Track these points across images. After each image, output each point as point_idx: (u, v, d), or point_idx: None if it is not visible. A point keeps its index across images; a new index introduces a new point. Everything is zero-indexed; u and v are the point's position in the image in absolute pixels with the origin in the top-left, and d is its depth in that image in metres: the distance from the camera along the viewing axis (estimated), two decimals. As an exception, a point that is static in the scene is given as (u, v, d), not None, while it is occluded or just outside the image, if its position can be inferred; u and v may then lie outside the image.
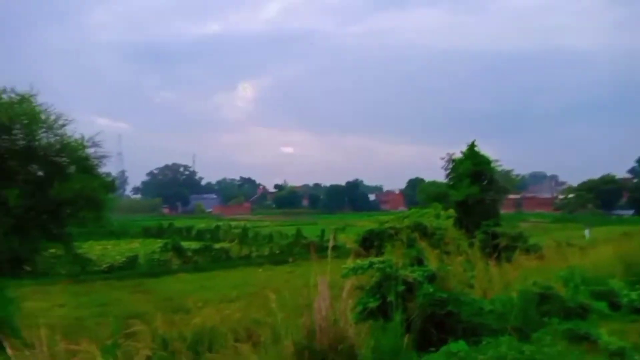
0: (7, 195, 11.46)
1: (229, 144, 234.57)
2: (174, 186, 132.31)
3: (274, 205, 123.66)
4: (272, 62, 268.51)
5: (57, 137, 11.93)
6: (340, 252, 25.96)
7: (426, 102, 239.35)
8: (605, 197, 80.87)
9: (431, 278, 5.79)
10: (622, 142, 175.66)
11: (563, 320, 5.75)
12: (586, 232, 33.45)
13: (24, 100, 11.88)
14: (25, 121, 11.52)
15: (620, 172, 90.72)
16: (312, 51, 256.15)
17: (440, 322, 5.36)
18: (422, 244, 12.30)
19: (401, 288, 5.49)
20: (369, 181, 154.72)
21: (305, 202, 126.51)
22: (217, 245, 28.47)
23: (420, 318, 5.32)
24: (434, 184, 32.69)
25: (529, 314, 5.38)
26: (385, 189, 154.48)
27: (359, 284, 6.22)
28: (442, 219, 17.02)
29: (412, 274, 5.73)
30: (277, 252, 27.93)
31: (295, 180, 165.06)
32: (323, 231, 31.83)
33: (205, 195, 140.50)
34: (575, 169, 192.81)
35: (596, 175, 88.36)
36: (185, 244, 29.65)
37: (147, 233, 46.24)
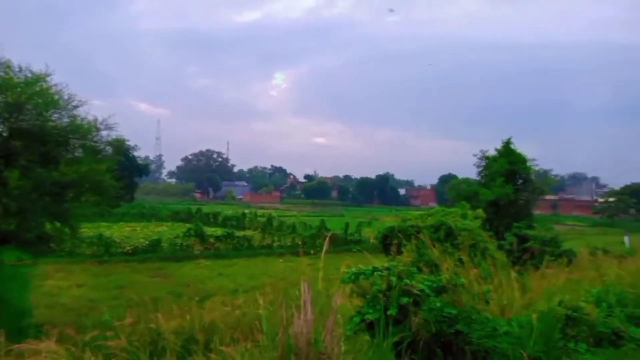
0: (8, 176, 11.51)
1: (262, 133, 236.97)
2: (207, 172, 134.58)
3: (302, 196, 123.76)
4: (309, 51, 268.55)
5: (69, 119, 11.89)
6: (363, 246, 25.54)
7: (463, 96, 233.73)
8: (649, 202, 76.28)
9: (440, 290, 5.15)
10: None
11: (592, 348, 5.01)
12: (626, 238, 31.43)
13: (39, 79, 11.84)
14: (38, 101, 11.48)
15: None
16: (349, 41, 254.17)
17: (448, 342, 4.74)
18: (441, 247, 11.59)
19: (405, 300, 4.89)
20: (400, 175, 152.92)
21: (334, 194, 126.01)
22: (240, 233, 28.40)
23: (424, 336, 4.72)
24: (465, 181, 31.53)
25: (552, 339, 4.67)
26: (416, 184, 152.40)
27: (362, 290, 5.67)
28: (469, 219, 16.07)
29: (419, 284, 5.11)
30: (299, 243, 27.60)
31: (326, 171, 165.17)
32: (347, 224, 31.23)
33: (236, 182, 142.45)
34: (619, 171, 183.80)
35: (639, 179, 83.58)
36: (209, 230, 29.78)
37: (176, 217, 47.00)
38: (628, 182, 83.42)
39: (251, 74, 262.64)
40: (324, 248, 4.94)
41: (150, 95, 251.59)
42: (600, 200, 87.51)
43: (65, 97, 12.06)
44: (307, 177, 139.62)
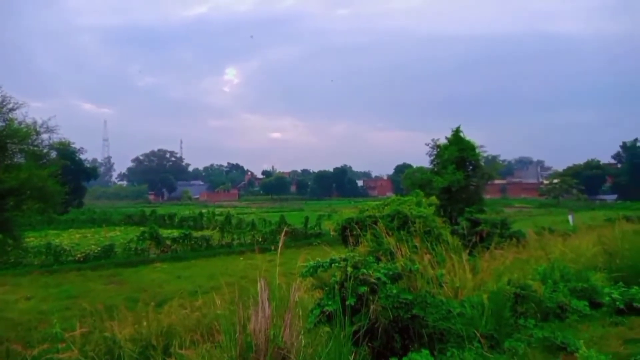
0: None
1: (217, 130, 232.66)
2: (160, 172, 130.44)
3: (261, 192, 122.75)
4: (260, 46, 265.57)
5: (4, 123, 11.10)
6: (324, 239, 25.58)
7: (415, 87, 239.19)
8: (589, 183, 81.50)
9: (396, 277, 5.27)
10: (607, 128, 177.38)
11: (540, 323, 5.29)
12: (570, 217, 33.37)
13: (-32, 82, 10.98)
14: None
15: (605, 157, 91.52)
16: (300, 34, 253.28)
17: (405, 327, 4.86)
18: (398, 235, 11.85)
19: (363, 289, 4.96)
20: (357, 167, 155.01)
21: (293, 189, 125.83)
22: (198, 234, 27.77)
23: (383, 323, 4.82)
24: (419, 170, 32.27)
25: (502, 316, 4.90)
26: (373, 175, 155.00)
27: (321, 282, 5.70)
28: (423, 206, 16.49)
29: (376, 273, 5.20)
30: (260, 239, 27.36)
31: (284, 166, 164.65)
32: (307, 218, 31.27)
33: (192, 182, 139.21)
34: (562, 154, 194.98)
35: (581, 160, 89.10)
36: (165, 232, 28.92)
37: (129, 221, 45.36)
38: (570, 164, 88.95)
39: (201, 70, 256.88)
40: (280, 243, 4.91)
41: (94, 94, 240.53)
42: (545, 182, 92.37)
43: (-1, 99, 11.28)
44: (265, 173, 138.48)
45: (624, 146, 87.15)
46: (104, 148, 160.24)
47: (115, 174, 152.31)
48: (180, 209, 59.93)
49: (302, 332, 4.39)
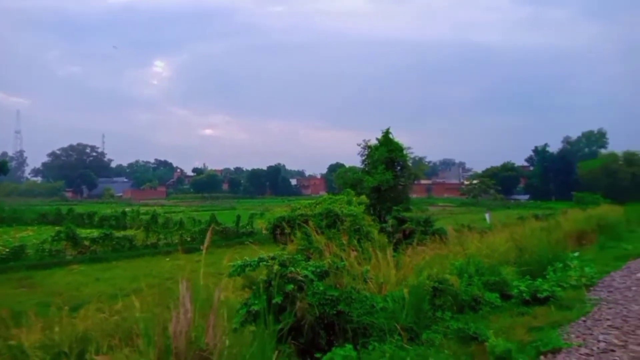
0: None
1: (143, 124, 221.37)
2: (79, 168, 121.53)
3: (191, 190, 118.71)
4: (190, 39, 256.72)
5: None
6: (256, 238, 25.28)
7: (349, 88, 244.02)
8: (505, 183, 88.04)
9: (323, 274, 5.34)
10: (522, 133, 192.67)
11: (456, 315, 5.62)
12: (487, 216, 35.78)
13: None
14: None
15: (519, 160, 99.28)
16: (233, 29, 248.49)
17: (331, 323, 4.94)
18: (329, 233, 12.03)
19: (290, 287, 4.97)
20: (291, 166, 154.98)
21: (225, 187, 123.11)
22: (120, 233, 26.26)
23: (309, 320, 4.86)
24: (351, 169, 32.97)
25: (422, 309, 5.15)
26: (307, 173, 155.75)
27: (249, 282, 5.63)
28: (353, 205, 16.89)
29: (303, 271, 5.24)
30: (188, 239, 26.45)
31: (216, 163, 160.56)
32: (239, 217, 30.74)
33: (115, 179, 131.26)
34: (481, 156, 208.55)
35: (498, 163, 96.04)
36: (84, 232, 27.06)
37: (43, 220, 41.92)
38: (488, 166, 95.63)
39: (128, 61, 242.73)
40: (206, 242, 4.77)
41: (4, 82, 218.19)
42: (466, 183, 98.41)
43: None
44: (195, 170, 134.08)
45: (535, 150, 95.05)
46: (16, 141, 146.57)
47: (28, 169, 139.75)
48: (102, 208, 56.35)
49: (226, 333, 4.31)
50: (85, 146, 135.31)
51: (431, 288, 5.66)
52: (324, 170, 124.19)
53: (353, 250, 6.36)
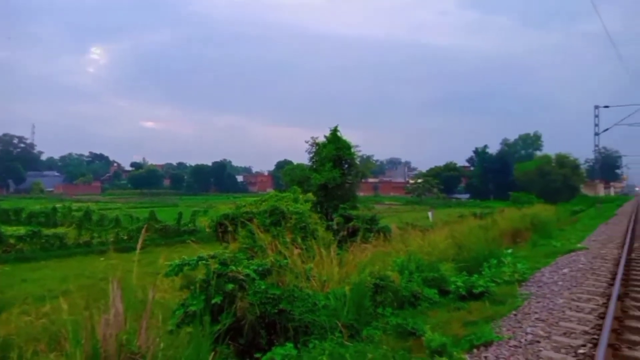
0: None
1: (77, 115, 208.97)
2: (5, 161, 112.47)
3: (129, 186, 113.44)
4: (133, 26, 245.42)
5: None
6: (198, 236, 24.56)
7: (299, 84, 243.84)
8: (447, 183, 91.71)
9: (265, 273, 5.24)
10: (465, 134, 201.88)
11: (396, 311, 5.71)
12: (430, 214, 37.06)
13: None
14: None
15: (461, 160, 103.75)
16: (180, 19, 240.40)
17: (272, 322, 4.85)
18: (274, 231, 11.90)
19: (230, 287, 4.82)
20: (238, 162, 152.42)
21: (167, 183, 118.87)
22: (50, 231, 24.52)
23: (249, 320, 4.74)
24: (298, 167, 32.90)
25: (363, 306, 5.17)
26: (254, 170, 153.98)
27: (188, 281, 5.41)
28: (300, 202, 16.83)
29: (245, 270, 5.10)
30: (125, 238, 25.20)
31: (157, 158, 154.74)
32: (180, 214, 29.73)
33: (45, 173, 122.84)
34: (426, 156, 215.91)
35: (442, 162, 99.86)
36: (9, 230, 25.00)
37: (-38, 216, 38.39)
38: (432, 165, 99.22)
39: (62, 46, 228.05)
40: (140, 240, 4.51)
41: None
42: (411, 181, 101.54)
43: None
44: (134, 165, 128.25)
45: (476, 151, 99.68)
46: None
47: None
48: (30, 203, 52.48)
49: (161, 335, 4.11)
50: (13, 137, 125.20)
51: (373, 285, 5.72)
52: (272, 167, 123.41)
53: (297, 248, 6.29)
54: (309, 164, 31.70)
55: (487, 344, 4.58)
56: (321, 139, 30.46)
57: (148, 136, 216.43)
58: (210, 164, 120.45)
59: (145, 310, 3.85)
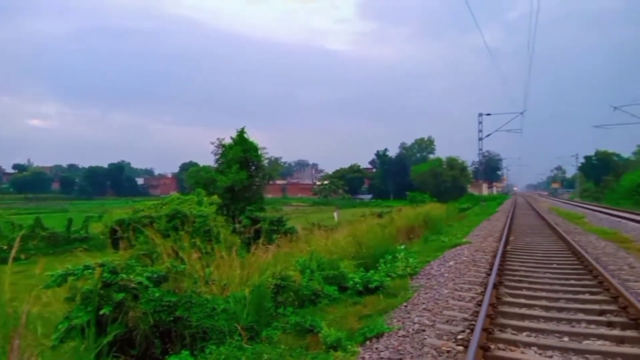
0: None
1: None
2: None
3: (11, 190, 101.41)
4: (13, 11, 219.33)
5: None
6: (91, 244, 22.67)
7: (205, 82, 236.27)
8: (352, 184, 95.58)
9: (160, 280, 5.05)
10: (368, 137, 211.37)
11: (297, 310, 5.84)
12: (335, 214, 38.24)
13: None
14: None
15: (364, 163, 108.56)
16: (70, 7, 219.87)
17: (167, 330, 4.69)
18: (176, 236, 11.45)
19: (120, 296, 4.56)
20: (137, 164, 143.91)
21: (55, 186, 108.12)
22: None
23: (142, 330, 4.53)
24: (204, 169, 31.97)
25: (263, 307, 5.22)
26: (157, 172, 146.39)
27: (74, 293, 5.01)
28: (204, 205, 16.40)
29: (138, 277, 4.87)
30: (5, 247, 22.43)
31: (44, 160, 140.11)
32: (70, 220, 27.23)
33: None
34: (333, 158, 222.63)
35: (347, 164, 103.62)
36: None
37: None
38: (338, 167, 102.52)
39: None
40: (13, 250, 4.10)
41: None
42: (318, 183, 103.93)
43: None
44: (17, 167, 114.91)
45: (377, 154, 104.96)
46: None
47: None
48: None
49: (42, 352, 3.78)
50: None
51: (274, 285, 5.80)
52: (176, 169, 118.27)
53: (196, 253, 6.15)
54: (215, 165, 31.00)
55: (379, 336, 4.89)
56: (228, 141, 29.98)
57: (34, 135, 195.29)
58: (106, 165, 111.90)
59: (19, 326, 3.51)
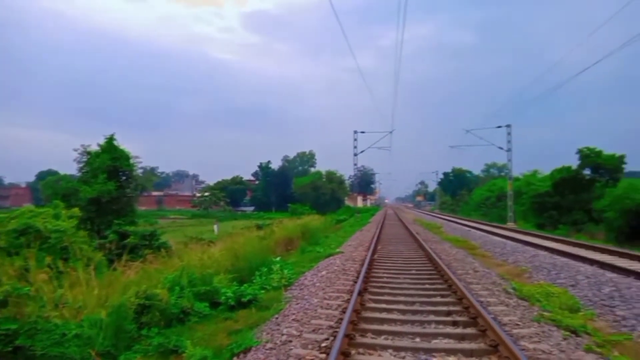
0: None
1: None
2: None
3: None
4: None
5: None
6: None
7: (69, 82, 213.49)
8: (234, 196, 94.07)
9: (-2, 306, 4.45)
10: (251, 149, 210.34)
11: (163, 330, 5.57)
12: (215, 227, 37.22)
13: None
14: None
15: (247, 174, 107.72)
16: None
17: (5, 363, 4.13)
18: (27, 253, 10.13)
19: (-58, 328, 3.90)
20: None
21: None
22: None
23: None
24: (64, 178, 28.78)
25: (123, 330, 4.88)
26: (7, 181, 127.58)
27: None
28: (62, 219, 14.78)
29: (-33, 305, 4.22)
30: None
31: None
32: None
33: None
34: (214, 169, 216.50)
35: (229, 176, 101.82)
36: None
37: None
38: (220, 179, 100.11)
39: None
40: None
41: None
42: (198, 195, 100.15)
43: None
44: None
45: (260, 166, 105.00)
46: None
47: None
48: None
49: None
50: None
51: (137, 305, 5.45)
52: (32, 178, 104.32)
53: (45, 273, 5.52)
54: (79, 175, 28.19)
55: (247, 350, 4.89)
56: (94, 148, 27.50)
57: None
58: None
59: None
